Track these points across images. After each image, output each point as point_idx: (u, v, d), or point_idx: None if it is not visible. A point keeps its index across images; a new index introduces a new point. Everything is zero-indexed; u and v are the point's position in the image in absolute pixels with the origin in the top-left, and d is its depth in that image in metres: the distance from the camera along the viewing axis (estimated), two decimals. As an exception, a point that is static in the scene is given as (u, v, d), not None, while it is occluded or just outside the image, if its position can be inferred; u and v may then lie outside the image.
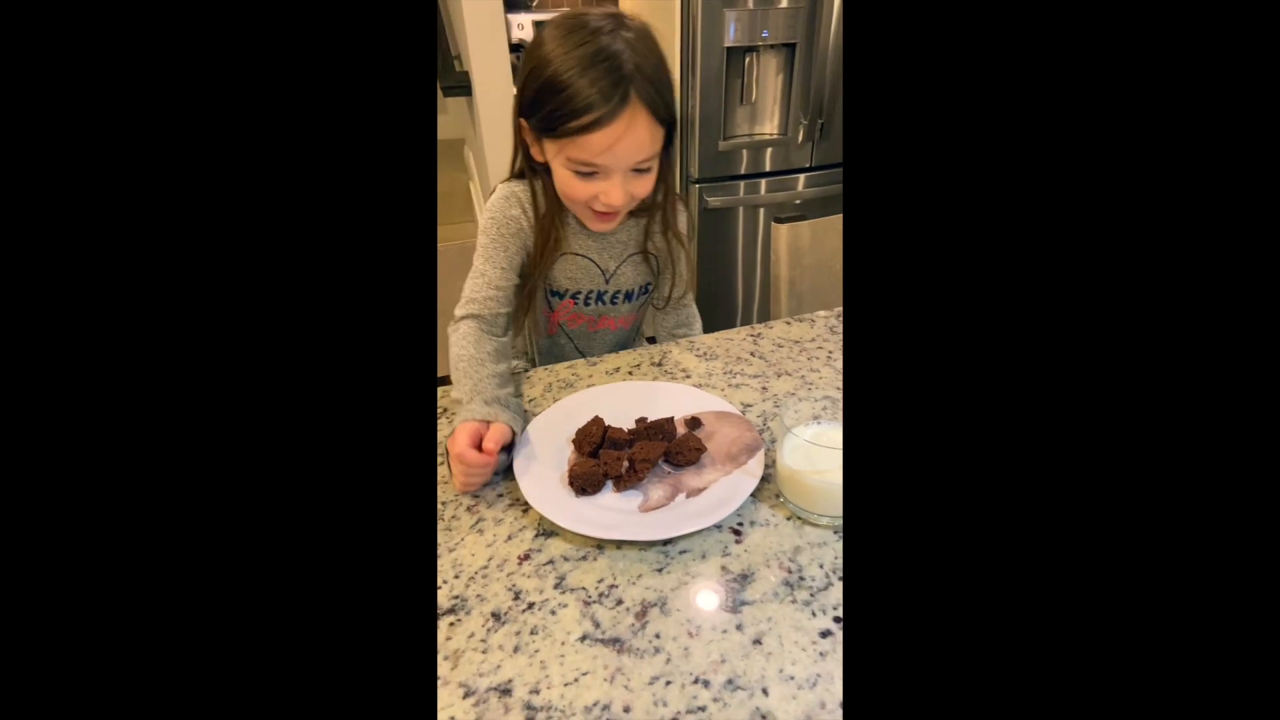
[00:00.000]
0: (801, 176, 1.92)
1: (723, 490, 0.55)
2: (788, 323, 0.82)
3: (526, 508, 0.54)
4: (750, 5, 1.65)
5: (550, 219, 0.74)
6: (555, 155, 0.68)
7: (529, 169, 0.74)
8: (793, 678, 0.41)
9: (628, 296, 0.83)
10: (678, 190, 0.82)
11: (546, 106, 0.64)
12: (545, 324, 0.84)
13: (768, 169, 1.88)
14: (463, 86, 1.70)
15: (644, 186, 0.70)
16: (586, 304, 0.82)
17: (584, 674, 0.41)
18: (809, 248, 1.00)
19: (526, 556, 0.50)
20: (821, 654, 0.42)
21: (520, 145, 0.73)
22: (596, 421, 0.62)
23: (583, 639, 0.43)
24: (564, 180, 0.69)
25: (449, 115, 2.66)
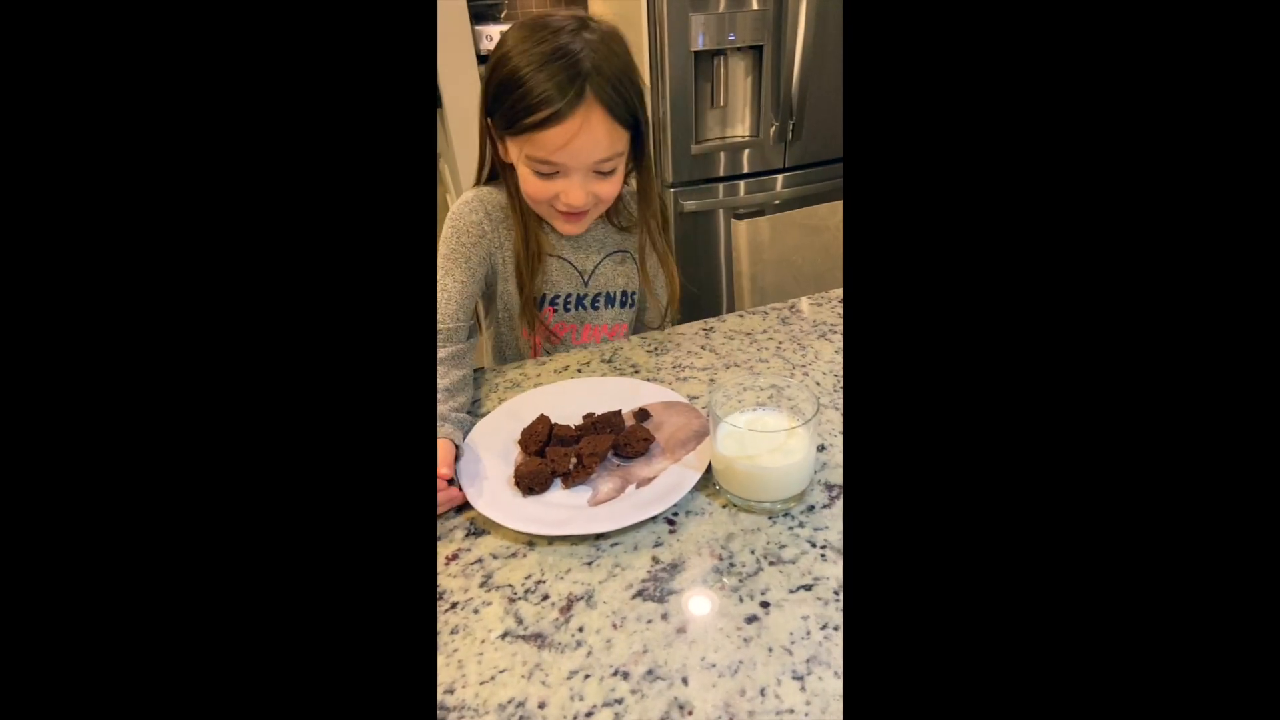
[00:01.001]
0: (779, 177, 1.92)
1: (671, 478, 0.54)
2: (740, 316, 0.81)
3: (460, 508, 0.54)
4: (719, 9, 1.66)
5: (528, 224, 0.73)
6: (517, 154, 0.67)
7: (502, 171, 0.73)
8: (714, 665, 0.39)
9: (609, 300, 0.81)
10: (660, 203, 0.80)
11: (505, 103, 0.64)
12: (527, 349, 0.81)
13: (745, 170, 1.89)
14: (434, 100, 1.72)
15: (607, 189, 0.69)
16: (566, 309, 0.79)
17: (501, 671, 0.40)
18: (769, 243, 1.00)
19: (454, 556, 0.49)
20: (745, 640, 0.41)
21: (487, 147, 0.73)
22: (542, 420, 0.61)
23: (504, 636, 0.42)
24: (526, 179, 0.68)
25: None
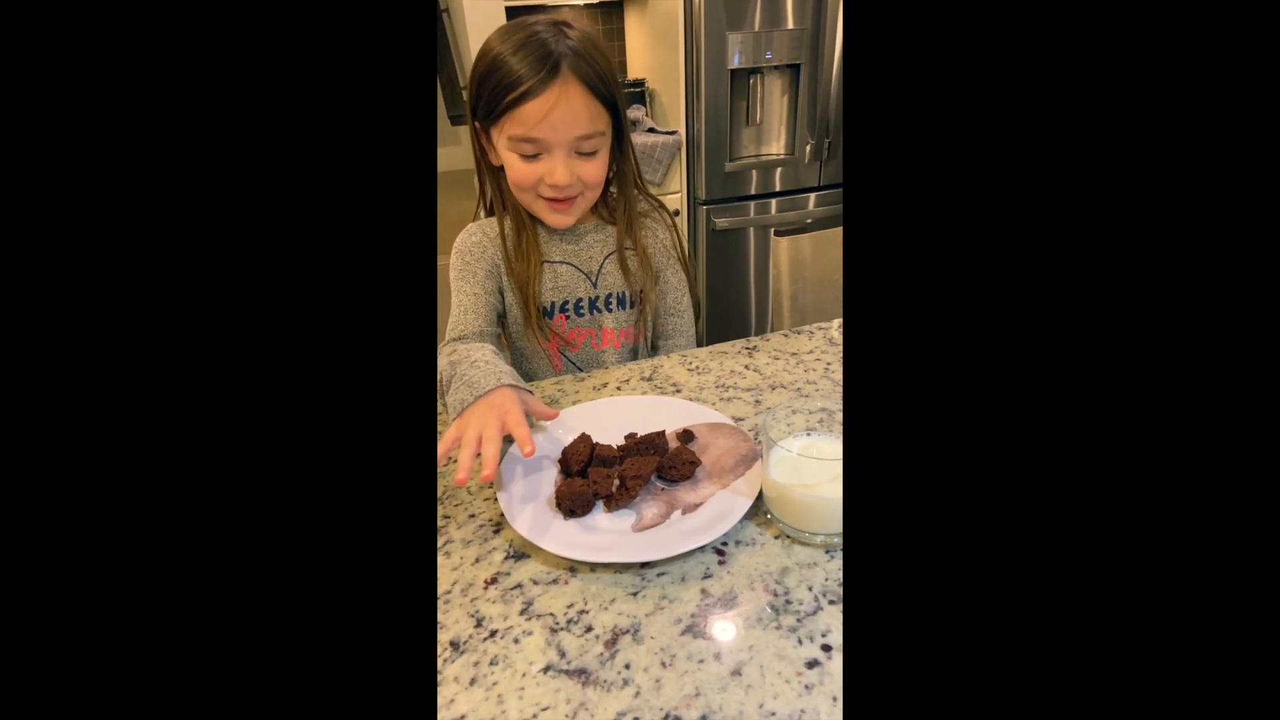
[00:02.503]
0: (812, 195, 1.90)
1: (719, 505, 0.51)
2: (785, 335, 0.79)
3: (498, 528, 0.51)
4: (756, 28, 1.66)
5: (520, 229, 0.75)
6: (502, 143, 0.69)
7: (493, 184, 0.75)
8: (774, 714, 0.36)
9: (621, 301, 0.80)
10: (661, 205, 0.83)
11: (486, 89, 0.66)
12: (547, 362, 0.81)
13: (777, 189, 1.87)
14: (471, 116, 1.73)
15: (591, 171, 0.70)
16: (579, 313, 0.79)
17: (544, 709, 0.38)
18: (810, 261, 0.98)
19: (494, 580, 0.47)
20: (807, 687, 0.38)
21: (480, 166, 0.75)
22: (584, 439, 0.59)
23: (546, 670, 0.40)
24: (512, 166, 0.69)
25: (463, 146, 2.72)
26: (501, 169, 0.72)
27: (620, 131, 0.72)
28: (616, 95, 0.69)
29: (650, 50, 1.93)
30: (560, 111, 0.65)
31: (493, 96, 0.66)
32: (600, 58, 0.67)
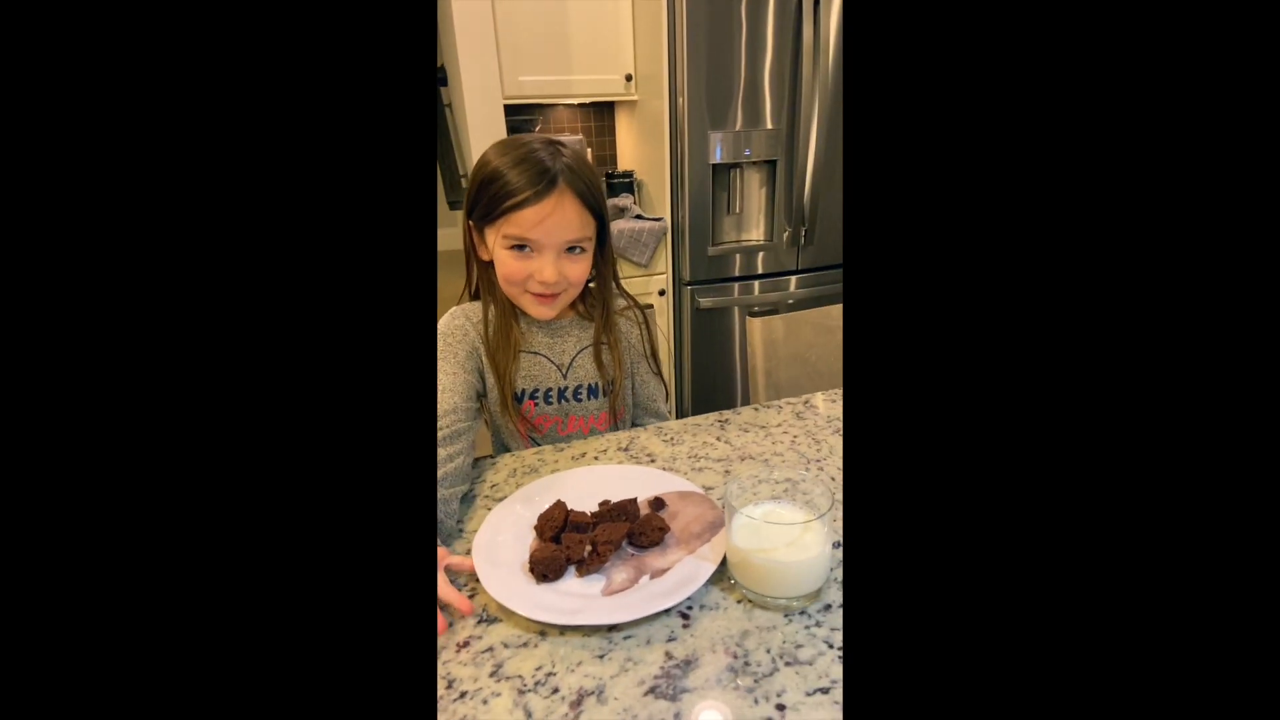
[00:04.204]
0: (793, 278, 2.00)
1: (686, 570, 0.54)
2: (755, 409, 0.83)
3: (474, 593, 0.53)
4: (736, 127, 1.81)
5: (503, 318, 0.81)
6: (495, 240, 0.75)
7: (481, 274, 0.81)
8: (728, 773, 0.38)
9: (592, 391, 0.84)
10: (635, 300, 0.89)
11: (486, 194, 0.73)
12: (519, 442, 0.85)
13: (760, 271, 1.97)
14: (469, 201, 1.84)
15: (577, 270, 0.77)
16: (548, 402, 0.83)
17: (507, 768, 0.39)
18: (783, 340, 1.03)
19: (466, 644, 0.48)
20: (761, 747, 0.39)
21: (470, 258, 0.81)
22: (558, 505, 0.62)
23: (511, 730, 0.41)
24: (502, 262, 0.75)
25: (458, 228, 2.85)
26: (490, 264, 0.78)
27: (604, 237, 0.80)
28: (602, 206, 0.77)
29: (639, 146, 2.08)
30: (555, 218, 0.72)
31: (492, 201, 0.73)
32: (590, 174, 0.75)
